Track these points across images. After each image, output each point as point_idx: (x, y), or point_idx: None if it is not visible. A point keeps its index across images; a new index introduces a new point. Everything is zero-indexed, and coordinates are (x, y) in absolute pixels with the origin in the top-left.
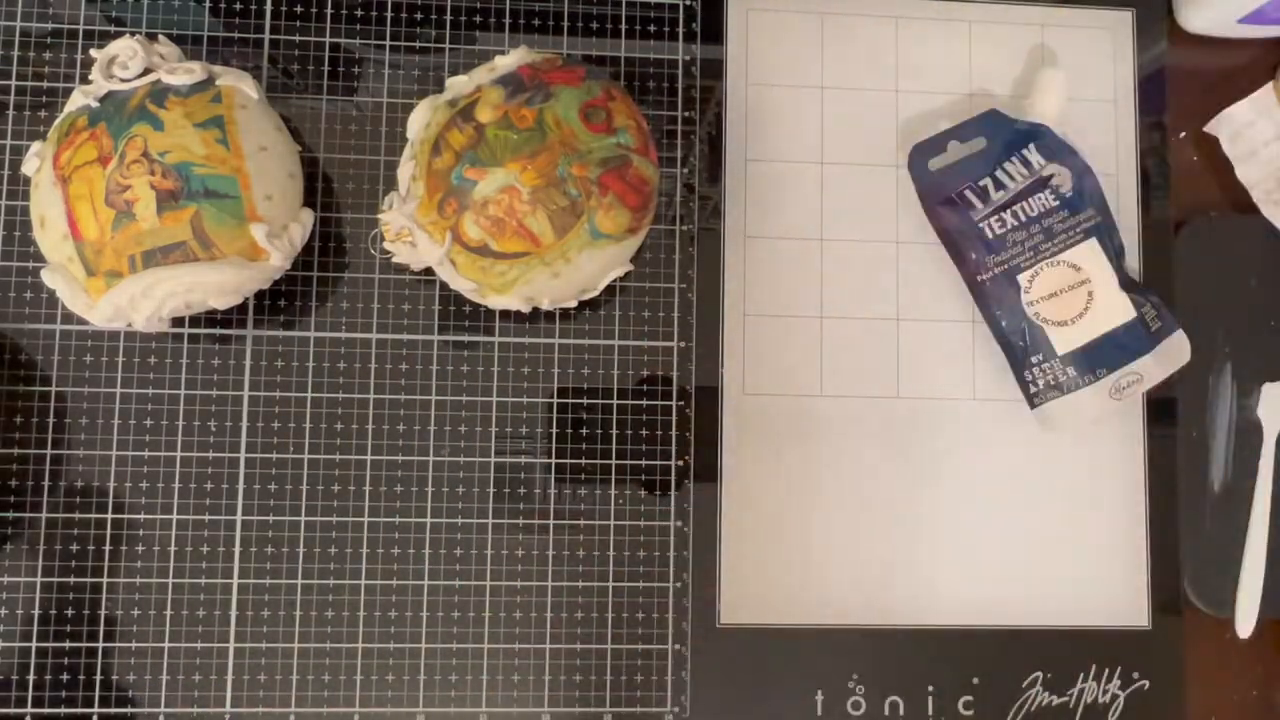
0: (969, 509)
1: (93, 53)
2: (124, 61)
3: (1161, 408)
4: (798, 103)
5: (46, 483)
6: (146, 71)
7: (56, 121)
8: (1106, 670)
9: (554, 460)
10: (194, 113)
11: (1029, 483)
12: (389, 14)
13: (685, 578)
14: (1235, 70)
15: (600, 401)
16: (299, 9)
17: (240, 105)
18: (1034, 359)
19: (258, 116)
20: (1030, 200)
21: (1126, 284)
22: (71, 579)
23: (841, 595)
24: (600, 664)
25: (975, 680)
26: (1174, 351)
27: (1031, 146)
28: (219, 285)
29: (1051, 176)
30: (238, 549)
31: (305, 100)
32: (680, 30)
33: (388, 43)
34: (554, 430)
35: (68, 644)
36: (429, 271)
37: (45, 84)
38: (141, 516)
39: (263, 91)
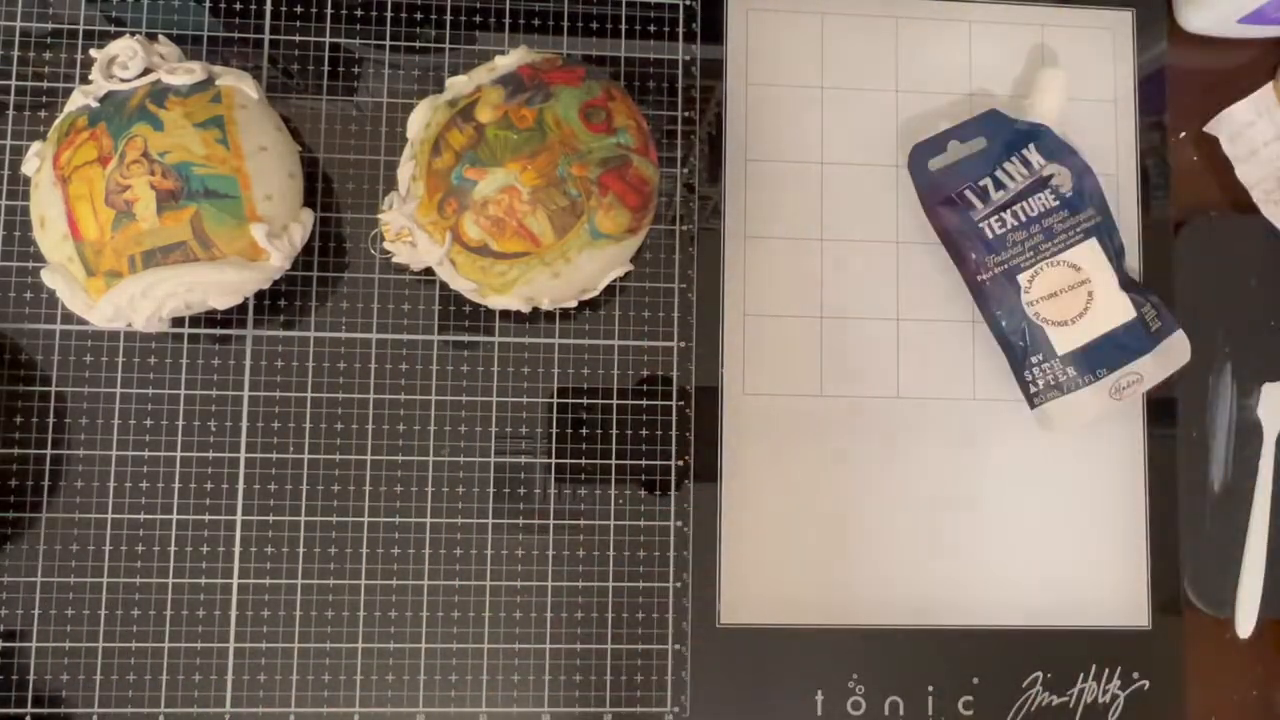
0: (969, 509)
1: (93, 53)
2: (124, 61)
3: (1161, 408)
4: (798, 103)
5: (46, 483)
6: (146, 71)
7: (56, 121)
8: (1107, 670)
9: (554, 460)
10: (194, 113)
11: (1029, 483)
12: (389, 14)
13: (685, 578)
14: (1235, 70)
15: (600, 401)
16: (299, 9)
17: (240, 105)
18: (1034, 359)
19: (258, 116)
20: (1030, 200)
21: (1126, 284)
22: (71, 579)
23: (841, 595)
24: (600, 664)
25: (975, 680)
26: (1174, 351)
27: (1031, 146)
28: (219, 285)
29: (1051, 176)
30: (238, 549)
31: (305, 100)
32: (680, 30)
33: (388, 43)
34: (554, 430)
35: (68, 644)
36: (429, 271)
37: (45, 84)
38: (141, 516)
39: (263, 91)
